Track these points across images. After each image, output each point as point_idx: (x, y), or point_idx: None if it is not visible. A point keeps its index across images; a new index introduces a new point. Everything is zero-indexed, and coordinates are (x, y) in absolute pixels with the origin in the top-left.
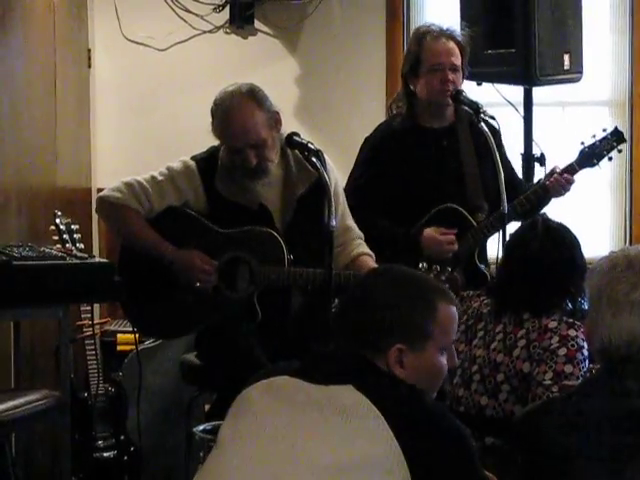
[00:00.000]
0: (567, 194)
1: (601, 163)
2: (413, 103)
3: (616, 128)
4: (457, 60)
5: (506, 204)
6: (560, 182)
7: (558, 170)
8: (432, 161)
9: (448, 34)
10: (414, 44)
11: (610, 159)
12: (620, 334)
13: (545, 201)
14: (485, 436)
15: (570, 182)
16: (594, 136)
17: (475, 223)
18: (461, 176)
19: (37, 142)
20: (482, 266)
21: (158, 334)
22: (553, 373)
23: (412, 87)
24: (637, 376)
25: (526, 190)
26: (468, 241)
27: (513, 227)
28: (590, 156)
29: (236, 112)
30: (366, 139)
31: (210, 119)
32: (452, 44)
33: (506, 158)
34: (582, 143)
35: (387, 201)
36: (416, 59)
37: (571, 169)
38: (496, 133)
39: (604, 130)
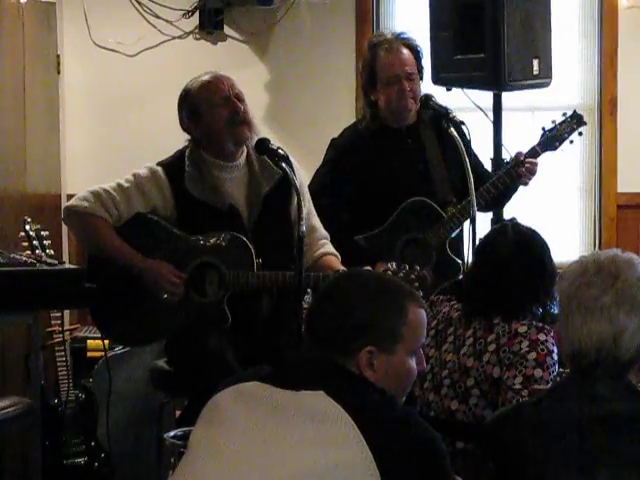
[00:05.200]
0: (533, 179)
1: (564, 147)
2: (375, 112)
3: (575, 111)
4: (412, 68)
5: (475, 208)
6: (529, 170)
7: (521, 157)
8: (399, 161)
9: (400, 41)
10: (368, 55)
11: (571, 142)
12: (590, 339)
13: (512, 189)
14: (455, 441)
15: (535, 165)
16: (554, 121)
17: (444, 215)
18: (428, 174)
19: (6, 148)
20: (454, 257)
21: (127, 342)
22: (523, 377)
23: (373, 98)
24: (607, 380)
25: (491, 177)
26: (438, 231)
27: (481, 228)
28: (552, 139)
29: (217, 74)
30: (332, 141)
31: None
32: (405, 51)
33: (471, 150)
34: (543, 128)
35: (353, 201)
36: (371, 72)
37: (534, 153)
38: (464, 136)
39: (564, 114)
